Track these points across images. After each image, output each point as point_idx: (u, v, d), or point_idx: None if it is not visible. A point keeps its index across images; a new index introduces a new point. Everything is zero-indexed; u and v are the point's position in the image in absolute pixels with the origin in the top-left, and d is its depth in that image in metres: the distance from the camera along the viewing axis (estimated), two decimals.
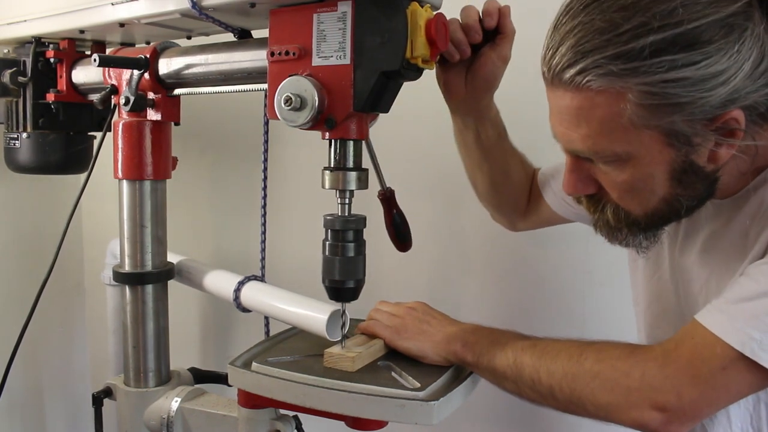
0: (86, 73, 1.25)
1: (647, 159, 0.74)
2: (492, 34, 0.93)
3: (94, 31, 1.20)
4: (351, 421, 0.90)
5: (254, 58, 1.00)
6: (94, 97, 1.17)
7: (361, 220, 0.92)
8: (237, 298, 1.15)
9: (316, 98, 0.85)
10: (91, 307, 1.91)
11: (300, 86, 0.86)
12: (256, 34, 1.06)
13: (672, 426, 0.74)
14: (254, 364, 0.94)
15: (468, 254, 1.47)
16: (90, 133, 1.37)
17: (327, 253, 0.92)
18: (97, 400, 1.20)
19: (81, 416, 1.88)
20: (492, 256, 1.44)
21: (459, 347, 0.91)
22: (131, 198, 1.15)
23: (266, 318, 1.25)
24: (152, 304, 1.18)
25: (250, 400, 0.98)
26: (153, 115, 1.14)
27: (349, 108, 0.86)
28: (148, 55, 1.10)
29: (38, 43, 1.26)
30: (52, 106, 1.28)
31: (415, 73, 0.87)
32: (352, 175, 0.90)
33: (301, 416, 1.00)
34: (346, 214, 0.91)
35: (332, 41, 0.86)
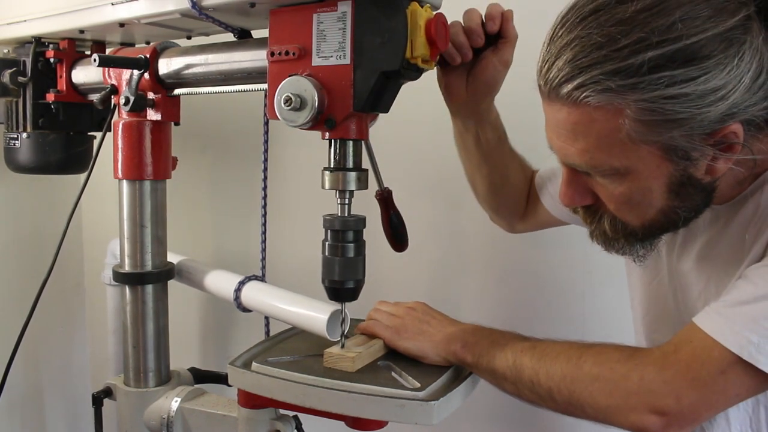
0: (86, 73, 1.25)
1: (645, 173, 0.74)
2: (494, 38, 0.93)
3: (94, 31, 1.20)
4: (351, 421, 0.90)
5: (254, 58, 1.00)
6: (94, 97, 1.17)
7: (361, 221, 0.92)
8: (237, 298, 1.15)
9: (316, 98, 0.85)
10: (91, 307, 1.91)
11: (300, 86, 0.86)
12: (256, 34, 1.06)
13: (671, 429, 0.74)
14: (254, 364, 0.94)
15: (468, 254, 1.47)
16: (90, 133, 1.37)
17: (327, 254, 0.92)
18: (97, 400, 1.20)
19: (81, 416, 1.88)
20: (492, 256, 1.44)
21: (459, 348, 0.91)
22: (131, 198, 1.15)
23: (266, 318, 1.25)
24: (152, 304, 1.18)
25: (250, 400, 0.98)
26: (153, 115, 1.14)
27: (349, 108, 0.86)
28: (148, 55, 1.10)
29: (38, 43, 1.26)
30: (52, 106, 1.28)
31: (415, 73, 0.87)
32: (352, 176, 0.90)
33: (301, 416, 1.00)
34: (346, 215, 0.91)
35: (332, 41, 0.86)
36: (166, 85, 1.12)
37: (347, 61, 0.85)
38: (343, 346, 0.95)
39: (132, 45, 1.29)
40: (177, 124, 1.18)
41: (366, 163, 0.95)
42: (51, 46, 1.28)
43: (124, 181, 1.15)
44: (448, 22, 0.89)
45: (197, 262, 1.28)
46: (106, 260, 1.54)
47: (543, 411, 0.84)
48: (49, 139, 1.30)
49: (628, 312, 1.05)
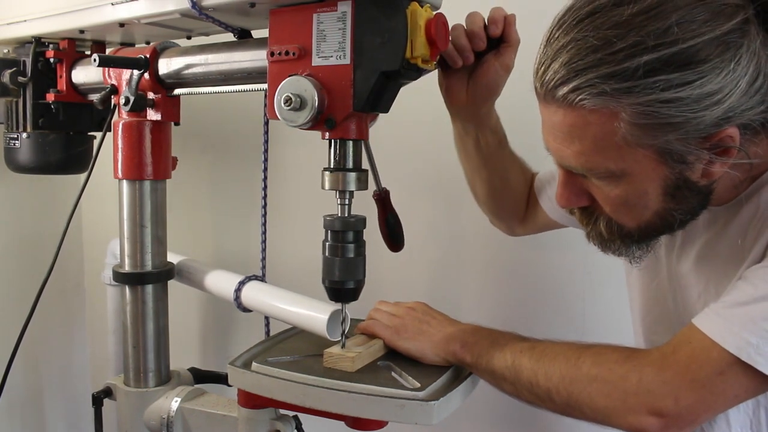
0: (86, 73, 1.25)
1: (641, 176, 0.74)
2: (496, 42, 0.93)
3: (94, 31, 1.20)
4: (351, 421, 0.90)
5: (254, 58, 1.00)
6: (94, 97, 1.17)
7: (361, 221, 0.92)
8: (238, 298, 1.15)
9: (316, 98, 0.85)
10: (91, 307, 1.91)
11: (300, 86, 0.86)
12: (256, 34, 1.06)
13: (669, 430, 0.74)
14: (254, 364, 0.94)
15: (468, 255, 1.47)
16: (90, 133, 1.37)
17: (327, 254, 0.92)
18: (97, 400, 1.20)
19: (81, 416, 1.88)
20: (492, 256, 1.44)
21: (458, 348, 0.91)
22: (131, 198, 1.15)
23: (266, 318, 1.25)
24: (152, 304, 1.18)
25: (250, 400, 0.98)
26: (153, 115, 1.14)
27: (349, 108, 0.86)
28: (148, 55, 1.10)
29: (38, 43, 1.26)
30: (52, 106, 1.28)
31: (415, 73, 0.87)
32: (352, 176, 0.90)
33: (301, 416, 1.00)
34: (346, 215, 0.91)
35: (332, 41, 0.86)
36: (166, 85, 1.12)
37: (347, 61, 0.85)
38: (343, 346, 0.95)
39: (132, 45, 1.29)
40: (177, 124, 1.18)
41: (365, 163, 0.95)
42: (51, 46, 1.28)
43: (124, 181, 1.15)
44: (450, 25, 0.89)
45: (197, 262, 1.28)
46: (106, 260, 1.54)
47: (542, 411, 0.84)
48: (49, 139, 1.30)
49: (627, 313, 1.05)
